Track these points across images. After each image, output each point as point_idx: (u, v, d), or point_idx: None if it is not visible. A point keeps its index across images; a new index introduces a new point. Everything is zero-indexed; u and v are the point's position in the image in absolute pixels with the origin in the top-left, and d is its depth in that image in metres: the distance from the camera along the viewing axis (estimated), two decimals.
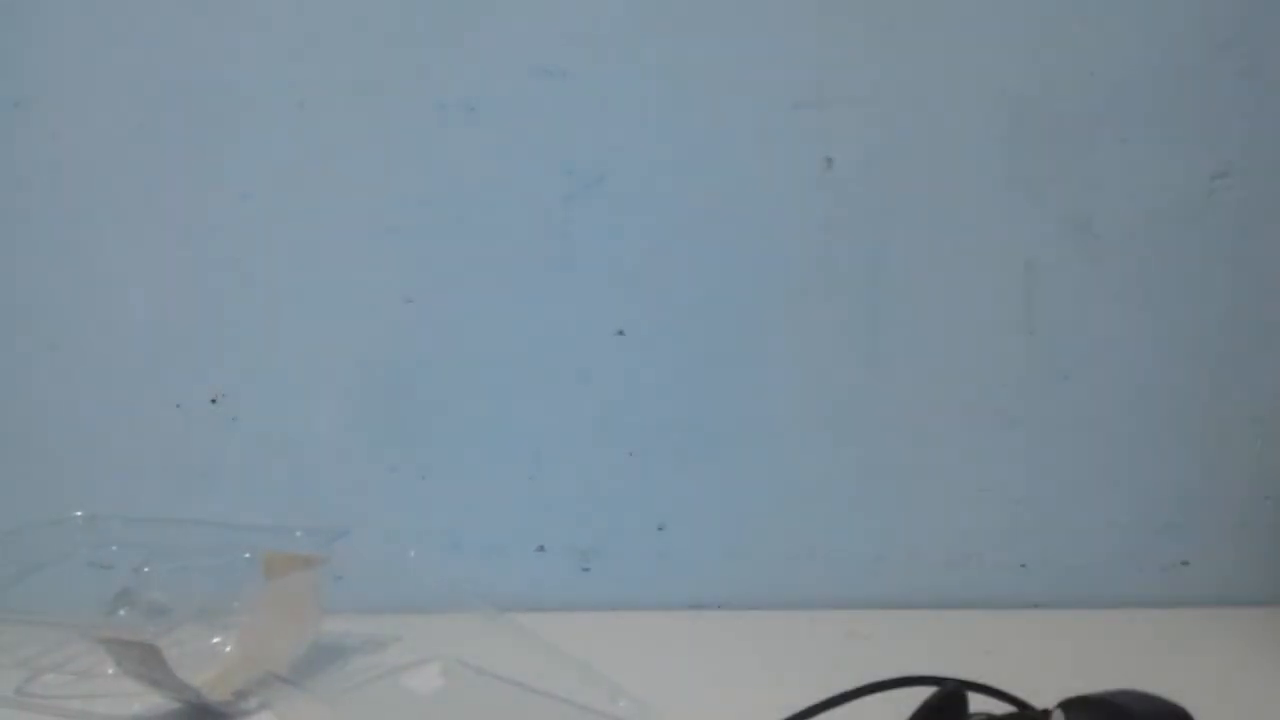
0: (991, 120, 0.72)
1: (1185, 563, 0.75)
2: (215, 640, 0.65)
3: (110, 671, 0.57)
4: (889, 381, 0.74)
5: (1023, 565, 0.75)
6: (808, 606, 0.74)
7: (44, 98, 0.75)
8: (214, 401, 0.76)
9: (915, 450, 0.75)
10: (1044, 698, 0.47)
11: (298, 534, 0.67)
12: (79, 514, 0.72)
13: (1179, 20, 0.71)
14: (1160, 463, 0.74)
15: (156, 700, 0.58)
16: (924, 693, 0.48)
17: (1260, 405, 0.73)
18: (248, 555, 0.66)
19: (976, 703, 0.49)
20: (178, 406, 0.76)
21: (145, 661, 0.55)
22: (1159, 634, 0.69)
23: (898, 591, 0.75)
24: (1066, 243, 0.73)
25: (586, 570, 0.77)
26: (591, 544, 0.77)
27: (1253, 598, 0.74)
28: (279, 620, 0.63)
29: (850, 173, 0.73)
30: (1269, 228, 0.72)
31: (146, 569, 0.68)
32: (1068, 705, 0.44)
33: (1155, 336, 0.73)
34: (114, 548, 0.70)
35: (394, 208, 0.75)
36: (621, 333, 0.75)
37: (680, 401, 0.75)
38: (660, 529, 0.76)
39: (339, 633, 0.68)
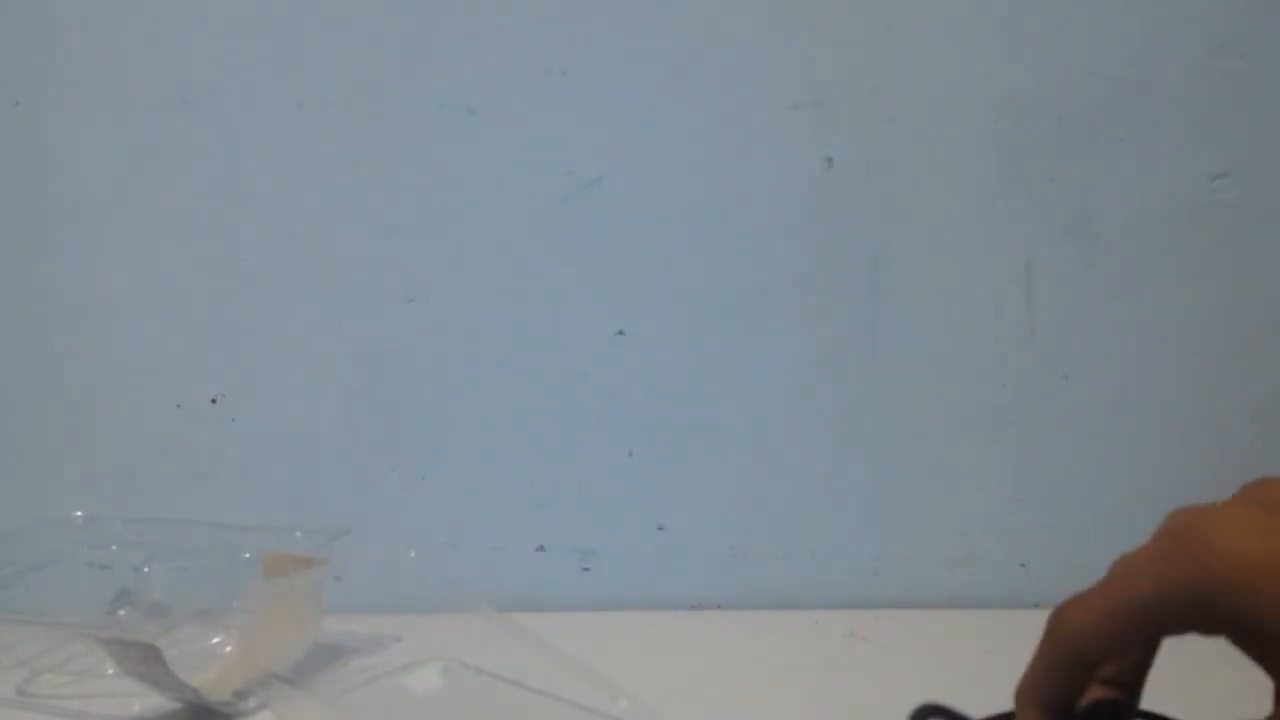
0: (991, 120, 0.72)
1: None
2: (215, 640, 0.65)
3: (110, 671, 0.57)
4: (889, 381, 0.74)
5: (1023, 565, 0.75)
6: (808, 606, 0.74)
7: (44, 98, 0.75)
8: (214, 401, 0.76)
9: (915, 450, 0.75)
10: None
11: (298, 534, 0.66)
12: (79, 514, 0.72)
13: (1179, 20, 0.71)
14: (1160, 463, 0.74)
15: (156, 700, 0.58)
16: (923, 695, 0.47)
17: (1259, 405, 0.73)
18: (248, 555, 0.66)
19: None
20: (178, 406, 0.76)
21: (145, 661, 0.55)
22: None
23: (898, 591, 0.75)
24: (1066, 243, 0.73)
25: (586, 570, 0.77)
26: (591, 544, 0.77)
27: None
28: (279, 620, 0.63)
29: (850, 173, 0.73)
30: (1269, 228, 0.72)
31: (146, 569, 0.68)
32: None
33: (1155, 336, 0.73)
34: (114, 548, 0.70)
35: (394, 208, 0.75)
36: (621, 333, 0.75)
37: (680, 401, 0.75)
38: (660, 529, 0.76)
39: (339, 633, 0.68)
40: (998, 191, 0.73)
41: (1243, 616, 0.29)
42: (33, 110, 0.75)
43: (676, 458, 0.76)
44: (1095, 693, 0.36)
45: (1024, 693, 0.35)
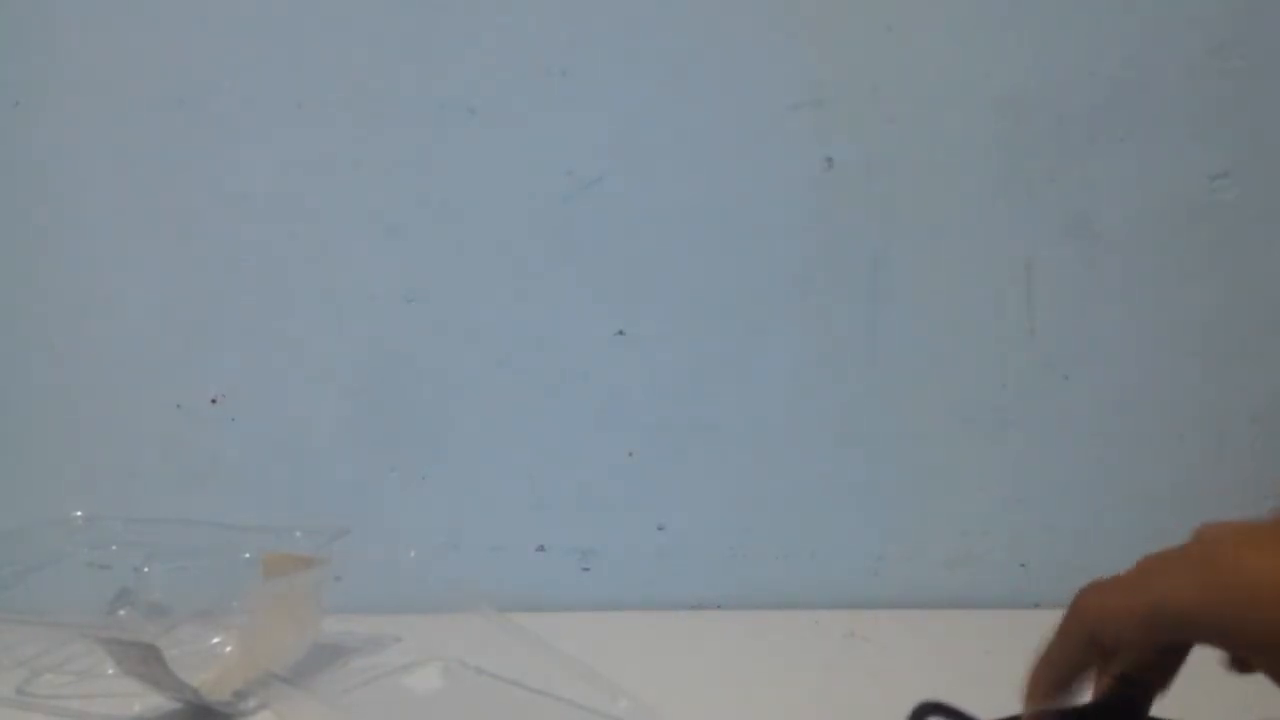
0: (991, 120, 0.72)
1: None
2: (215, 640, 0.65)
3: (110, 671, 0.57)
4: (889, 381, 0.74)
5: (1023, 565, 0.75)
6: (808, 606, 0.74)
7: (44, 98, 0.75)
8: (214, 401, 0.76)
9: (915, 450, 0.75)
10: None
11: (298, 534, 0.67)
12: (79, 514, 0.72)
13: (1179, 20, 0.71)
14: (1160, 463, 0.74)
15: (156, 700, 0.58)
16: (923, 695, 0.47)
17: (1259, 405, 0.73)
18: (248, 555, 0.66)
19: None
20: (178, 406, 0.76)
21: (145, 661, 0.55)
22: None
23: (898, 591, 0.75)
24: (1066, 243, 0.73)
25: (586, 570, 0.77)
26: (591, 544, 0.77)
27: None
28: (279, 620, 0.63)
29: (850, 173, 0.73)
30: (1269, 228, 0.72)
31: (146, 569, 0.68)
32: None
33: (1155, 337, 0.73)
34: (114, 548, 0.70)
35: (394, 208, 0.75)
36: (621, 333, 0.75)
37: (680, 401, 0.75)
38: (660, 529, 0.76)
39: (339, 633, 0.68)
40: (998, 191, 0.73)
41: (1265, 634, 0.29)
42: (33, 110, 0.75)
43: (676, 458, 0.76)
44: (1108, 687, 0.36)
45: (1037, 666, 0.36)
